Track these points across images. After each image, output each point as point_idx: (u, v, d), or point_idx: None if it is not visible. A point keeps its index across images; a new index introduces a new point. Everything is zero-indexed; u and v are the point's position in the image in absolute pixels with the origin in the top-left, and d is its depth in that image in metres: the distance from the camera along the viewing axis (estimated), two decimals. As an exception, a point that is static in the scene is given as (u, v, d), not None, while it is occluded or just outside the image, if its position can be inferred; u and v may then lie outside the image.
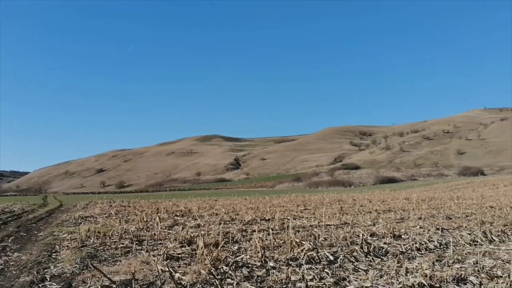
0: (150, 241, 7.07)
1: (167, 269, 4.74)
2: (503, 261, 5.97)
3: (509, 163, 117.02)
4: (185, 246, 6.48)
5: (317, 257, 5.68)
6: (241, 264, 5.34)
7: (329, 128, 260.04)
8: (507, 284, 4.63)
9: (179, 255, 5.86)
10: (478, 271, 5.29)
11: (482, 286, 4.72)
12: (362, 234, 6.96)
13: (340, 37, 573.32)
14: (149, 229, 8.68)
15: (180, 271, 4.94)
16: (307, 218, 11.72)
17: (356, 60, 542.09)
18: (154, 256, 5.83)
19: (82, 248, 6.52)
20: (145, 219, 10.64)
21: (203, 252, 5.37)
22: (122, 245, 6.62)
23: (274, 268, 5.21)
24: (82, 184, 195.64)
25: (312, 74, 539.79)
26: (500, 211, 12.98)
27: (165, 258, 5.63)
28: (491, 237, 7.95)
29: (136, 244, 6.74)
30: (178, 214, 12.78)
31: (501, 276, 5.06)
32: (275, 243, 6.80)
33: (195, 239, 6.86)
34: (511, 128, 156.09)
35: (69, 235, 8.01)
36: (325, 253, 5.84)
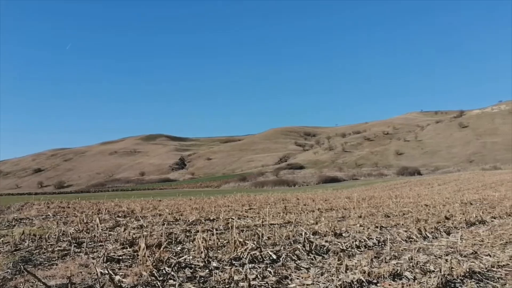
0: (90, 243, 6.83)
1: (107, 272, 4.60)
2: (435, 256, 6.29)
3: (443, 163, 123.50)
4: (127, 248, 6.32)
5: (260, 256, 5.72)
6: (184, 264, 5.28)
7: (275, 129, 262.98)
8: (438, 278, 4.87)
9: (120, 257, 5.71)
10: (413, 266, 5.54)
11: (416, 281, 4.94)
12: (305, 233, 7.08)
13: (284, 39, 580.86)
14: (89, 231, 8.39)
15: (120, 274, 4.82)
16: (251, 217, 11.78)
17: (301, 62, 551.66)
18: (93, 258, 5.64)
19: (15, 252, 6.19)
20: (85, 221, 10.27)
21: (145, 253, 5.26)
22: (59, 248, 6.35)
23: (217, 268, 5.19)
24: (17, 185, 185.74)
25: (258, 75, 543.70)
26: (434, 209, 13.65)
27: (105, 260, 5.46)
28: (426, 234, 8.35)
29: (74, 246, 6.49)
30: (120, 215, 12.43)
31: (433, 271, 5.33)
32: (219, 243, 6.79)
33: (137, 240, 6.70)
34: (445, 130, 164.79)
35: (1, 239, 7.58)
36: (268, 252, 5.89)
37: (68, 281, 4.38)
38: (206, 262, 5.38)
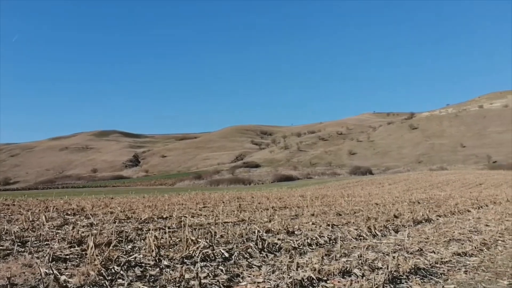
0: (35, 242, 6.57)
1: (52, 272, 4.44)
2: (383, 253, 6.49)
3: (393, 164, 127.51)
4: (75, 247, 6.12)
5: (212, 255, 5.70)
6: (134, 263, 5.17)
7: (231, 127, 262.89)
8: (385, 274, 5.03)
9: (67, 256, 5.52)
10: (362, 263, 5.69)
11: (365, 277, 5.07)
12: (258, 231, 7.11)
13: (242, 37, 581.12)
14: (35, 230, 8.06)
15: (67, 273, 4.65)
16: (205, 216, 11.70)
17: (258, 61, 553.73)
18: (38, 258, 5.43)
19: (-47, 252, 5.87)
20: (31, 219, 9.86)
21: (93, 252, 5.11)
22: (1, 248, 6.07)
23: (168, 266, 5.12)
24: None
25: (216, 72, 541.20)
26: (384, 208, 14.07)
27: (50, 260, 5.26)
28: (375, 232, 8.59)
29: (18, 245, 6.22)
30: (69, 213, 12.03)
31: (381, 268, 5.49)
32: (171, 241, 6.70)
33: (86, 239, 6.51)
34: (396, 132, 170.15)
35: None
36: (220, 250, 5.88)
37: (7, 282, 4.19)
38: (157, 260, 5.30)
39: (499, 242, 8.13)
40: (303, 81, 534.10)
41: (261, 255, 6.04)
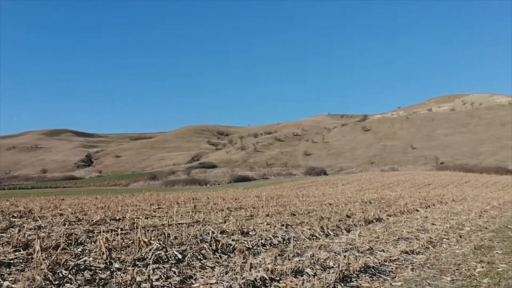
0: (-23, 246, 6.26)
1: (-5, 277, 4.25)
2: (335, 253, 6.63)
3: (347, 164, 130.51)
4: (20, 251, 5.88)
5: (165, 256, 5.63)
6: (83, 267, 5.03)
7: (188, 127, 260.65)
8: (336, 273, 5.14)
9: (12, 261, 5.30)
10: (314, 263, 5.78)
11: (316, 277, 5.16)
12: (212, 232, 7.10)
13: (196, 37, 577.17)
14: (-23, 233, 7.69)
15: (10, 279, 4.47)
16: (159, 217, 11.55)
17: (215, 61, 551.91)
18: (-20, 263, 5.18)
19: None
20: (-27, 222, 9.40)
21: (39, 256, 4.93)
22: None
23: (119, 269, 5.02)
24: None
25: (172, 72, 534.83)
26: (337, 208, 14.37)
27: (-7, 264, 5.04)
28: (328, 232, 8.76)
29: (-42, 250, 5.91)
30: (15, 215, 11.55)
31: (332, 267, 5.60)
32: (124, 243, 6.57)
33: (32, 242, 6.27)
34: (350, 133, 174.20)
35: None
36: (173, 252, 5.81)
37: None
38: (108, 263, 5.18)
39: (444, 240, 8.49)
40: (260, 82, 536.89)
41: (214, 256, 6.03)
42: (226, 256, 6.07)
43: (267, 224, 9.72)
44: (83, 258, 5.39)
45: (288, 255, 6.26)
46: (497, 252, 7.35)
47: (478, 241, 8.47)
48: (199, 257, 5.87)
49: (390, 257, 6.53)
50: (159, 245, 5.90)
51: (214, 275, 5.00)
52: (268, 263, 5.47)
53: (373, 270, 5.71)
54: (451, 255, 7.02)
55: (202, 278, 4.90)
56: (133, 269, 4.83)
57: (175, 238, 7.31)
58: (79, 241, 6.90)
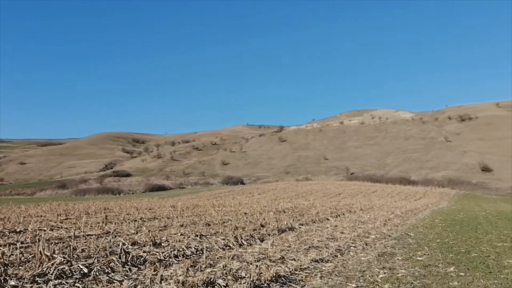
0: None
1: None
2: (247, 263, 6.67)
3: (264, 174, 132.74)
4: None
5: (69, 271, 5.31)
6: (-27, 285, 4.61)
7: (101, 133, 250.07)
8: (248, 283, 5.17)
9: None
10: (226, 273, 5.78)
11: (228, 287, 5.16)
12: (123, 243, 6.84)
13: (111, 44, 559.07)
14: None
15: None
16: (66, 228, 10.92)
17: (132, 68, 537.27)
18: None
19: None
20: None
21: None
22: None
23: (15, 287, 4.65)
24: None
25: (86, 77, 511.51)
26: (252, 217, 14.52)
27: None
28: (241, 241, 8.81)
29: None
30: None
31: (244, 277, 5.63)
32: (23, 258, 6.11)
33: None
34: (267, 143, 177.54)
35: None
36: (79, 266, 5.51)
37: None
38: (2, 281, 4.78)
39: (352, 248, 8.90)
40: (178, 90, 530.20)
41: (124, 269, 5.81)
42: (136, 269, 5.88)
43: (181, 234, 9.58)
44: (-26, 275, 4.93)
45: (201, 266, 6.20)
46: (398, 259, 7.84)
47: (382, 248, 8.99)
48: (107, 270, 5.62)
49: (300, 265, 6.71)
50: (63, 259, 5.56)
51: (122, 289, 4.81)
52: (180, 275, 5.39)
53: (283, 279, 5.82)
54: (357, 263, 7.37)
55: (108, 293, 4.70)
56: (31, 286, 4.51)
57: (82, 250, 6.95)
58: (-29, 257, 6.30)
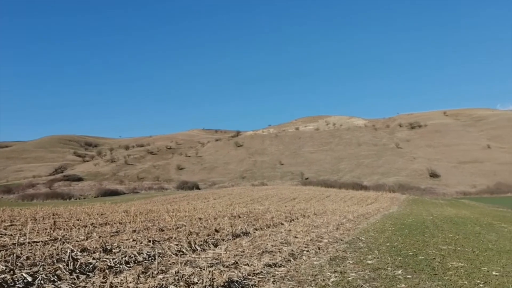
0: None
1: None
2: (201, 268, 6.61)
3: (219, 179, 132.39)
4: None
5: (11, 280, 5.07)
6: None
7: (52, 136, 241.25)
8: (200, 289, 5.13)
9: None
10: (178, 279, 5.70)
11: (180, 294, 5.09)
12: (71, 250, 6.63)
13: (62, 44, 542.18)
14: None
15: None
16: (11, 235, 10.44)
17: (88, 70, 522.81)
18: None
19: None
20: None
21: None
22: None
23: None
24: None
25: (36, 78, 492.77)
26: (206, 222, 14.41)
27: None
28: (195, 247, 8.73)
29: None
30: None
31: (197, 283, 5.58)
32: (-38, 267, 5.78)
33: None
34: (223, 148, 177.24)
35: None
36: (22, 275, 5.28)
37: None
38: None
39: (305, 252, 9.02)
40: (133, 94, 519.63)
41: (71, 276, 5.61)
42: (84, 276, 5.70)
43: (133, 240, 9.38)
44: None
45: (153, 273, 6.08)
46: (349, 262, 8.01)
47: (334, 252, 9.16)
48: (52, 278, 5.41)
49: (254, 270, 6.72)
50: (5, 268, 5.31)
51: (68, 298, 4.64)
52: (130, 282, 5.27)
53: (236, 284, 5.81)
54: (309, 267, 7.47)
55: (54, 302, 4.53)
56: (-29, 296, 4.28)
57: (27, 258, 6.66)
58: None
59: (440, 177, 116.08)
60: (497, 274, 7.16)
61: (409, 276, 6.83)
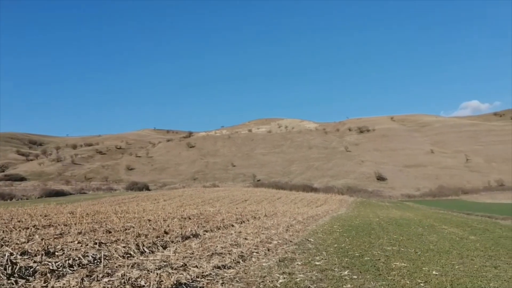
0: None
1: None
2: (148, 271, 6.50)
3: (170, 180, 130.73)
4: None
5: None
6: None
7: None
8: (147, 292, 5.03)
9: None
10: (125, 283, 5.58)
11: (126, 297, 4.98)
12: (10, 253, 6.33)
13: (16, 42, 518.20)
14: None
15: None
16: None
17: (38, 67, 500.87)
18: None
19: None
20: None
21: None
22: None
23: None
24: None
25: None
26: (156, 224, 14.18)
27: None
28: (143, 249, 8.57)
29: None
30: None
31: (144, 286, 5.48)
32: None
33: None
34: (175, 149, 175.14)
35: None
36: (-45, 280, 4.99)
37: None
38: None
39: (254, 254, 9.06)
40: (81, 91, 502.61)
41: (9, 281, 5.36)
42: (24, 281, 5.45)
43: (79, 242, 9.09)
44: None
45: (98, 276, 5.92)
46: (297, 264, 8.13)
47: (283, 254, 9.26)
48: (-11, 283, 5.15)
49: (202, 272, 6.68)
50: None
51: (6, 304, 4.43)
52: (73, 286, 5.10)
53: (185, 286, 5.76)
54: (258, 268, 7.51)
55: (-10, 308, 4.31)
56: None
57: (-39, 262, 6.29)
58: None
59: (387, 180, 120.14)
60: (437, 273, 7.49)
61: (355, 277, 7.02)
